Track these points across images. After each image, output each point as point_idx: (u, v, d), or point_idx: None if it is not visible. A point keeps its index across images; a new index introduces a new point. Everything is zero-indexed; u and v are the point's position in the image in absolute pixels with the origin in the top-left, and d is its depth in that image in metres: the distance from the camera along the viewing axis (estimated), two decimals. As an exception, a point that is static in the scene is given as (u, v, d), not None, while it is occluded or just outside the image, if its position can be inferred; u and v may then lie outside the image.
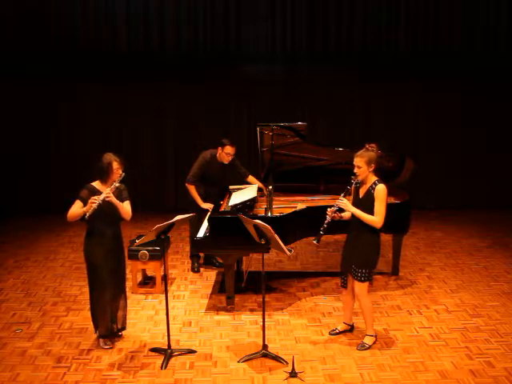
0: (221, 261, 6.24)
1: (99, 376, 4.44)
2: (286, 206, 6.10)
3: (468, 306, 5.69)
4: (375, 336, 4.92)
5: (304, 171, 6.49)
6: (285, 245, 4.52)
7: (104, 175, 4.67)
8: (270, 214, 5.58)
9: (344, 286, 4.97)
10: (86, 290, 6.07)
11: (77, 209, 4.62)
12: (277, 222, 5.19)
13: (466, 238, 8.07)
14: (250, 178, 6.63)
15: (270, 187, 5.75)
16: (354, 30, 9.22)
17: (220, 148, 6.32)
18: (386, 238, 7.40)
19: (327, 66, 9.25)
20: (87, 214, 4.52)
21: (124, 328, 5.01)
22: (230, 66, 9.19)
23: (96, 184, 4.72)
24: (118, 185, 4.69)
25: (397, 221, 6.15)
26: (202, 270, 6.73)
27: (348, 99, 9.43)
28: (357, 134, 9.28)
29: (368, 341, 4.86)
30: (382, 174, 6.30)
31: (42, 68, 9.06)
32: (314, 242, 4.81)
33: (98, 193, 4.62)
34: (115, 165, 4.66)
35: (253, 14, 9.11)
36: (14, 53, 8.96)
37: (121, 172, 4.69)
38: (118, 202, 4.64)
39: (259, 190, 6.39)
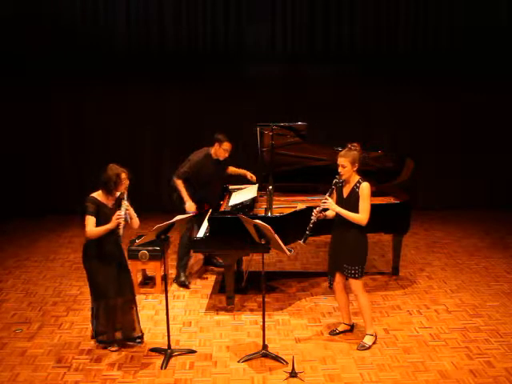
0: (221, 260, 6.22)
1: (99, 376, 4.44)
2: (286, 205, 6.10)
3: (468, 306, 5.68)
4: (375, 336, 4.92)
5: (304, 171, 6.49)
6: (285, 245, 4.52)
7: (111, 186, 4.58)
8: (270, 214, 5.58)
9: (331, 287, 4.97)
10: (86, 289, 6.08)
11: (93, 226, 4.50)
12: (277, 222, 5.18)
13: (466, 238, 8.07)
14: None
15: (270, 187, 5.74)
16: (354, 29, 9.22)
17: (217, 144, 6.23)
18: (386, 238, 7.42)
19: (327, 65, 9.26)
20: (121, 232, 4.51)
21: (133, 339, 4.90)
22: (230, 66, 9.19)
23: (97, 195, 4.63)
24: (125, 198, 4.64)
25: (397, 221, 6.17)
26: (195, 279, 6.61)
27: (348, 99, 9.42)
28: (357, 134, 9.26)
29: (368, 341, 4.86)
30: (383, 174, 6.40)
31: (42, 68, 9.06)
32: (301, 242, 4.80)
33: (102, 204, 4.57)
34: (123, 175, 4.60)
35: (253, 14, 9.11)
36: (13, 52, 8.96)
37: (128, 183, 4.65)
38: (134, 213, 4.65)
39: (254, 184, 6.36)
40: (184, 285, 6.23)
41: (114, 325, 4.75)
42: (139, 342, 4.92)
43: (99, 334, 4.81)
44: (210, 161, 6.30)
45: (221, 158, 6.31)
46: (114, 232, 4.60)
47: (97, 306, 4.74)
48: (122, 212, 4.49)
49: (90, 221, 4.52)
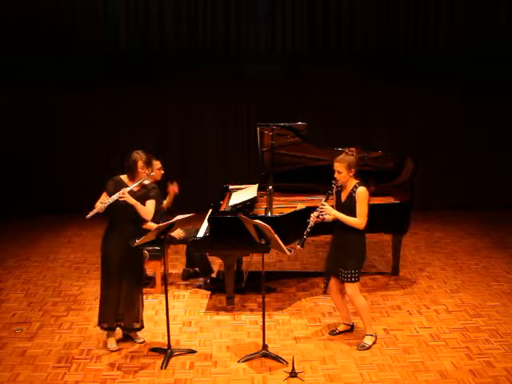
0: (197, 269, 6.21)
1: (99, 376, 4.44)
2: (285, 205, 6.10)
3: (468, 306, 5.68)
4: (375, 336, 4.91)
5: (304, 171, 6.49)
6: (285, 245, 4.52)
7: (130, 172, 4.63)
8: (270, 214, 5.58)
9: (325, 291, 4.97)
10: (86, 289, 6.14)
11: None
12: (277, 222, 5.18)
13: (466, 238, 8.07)
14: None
15: (270, 187, 5.74)
16: (354, 29, 9.23)
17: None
18: (386, 238, 7.41)
19: (327, 66, 9.27)
20: (88, 214, 4.47)
21: (142, 327, 4.92)
22: (230, 65, 9.20)
23: (124, 177, 4.67)
24: (146, 182, 4.64)
25: (397, 221, 6.17)
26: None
27: (348, 99, 9.44)
28: (357, 134, 9.27)
29: (368, 341, 4.85)
30: (382, 174, 6.40)
31: (42, 68, 9.07)
32: (298, 246, 4.79)
33: (124, 186, 4.58)
34: (140, 164, 4.60)
35: (253, 14, 9.12)
36: (13, 53, 8.96)
37: (148, 172, 4.64)
38: (134, 202, 4.54)
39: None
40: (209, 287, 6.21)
41: (116, 313, 4.74)
42: (141, 342, 4.93)
43: (102, 320, 4.80)
44: None
45: (159, 179, 6.11)
46: (137, 219, 4.62)
47: (103, 289, 4.75)
48: (111, 198, 4.46)
49: (101, 197, 4.60)
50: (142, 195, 4.65)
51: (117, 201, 4.50)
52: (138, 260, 4.85)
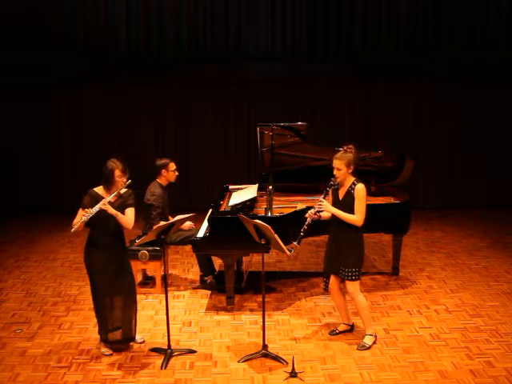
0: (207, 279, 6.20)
1: (99, 376, 4.44)
2: (285, 205, 6.10)
3: (468, 306, 5.68)
4: (375, 336, 4.91)
5: (304, 171, 6.49)
6: (285, 245, 4.52)
7: (107, 182, 4.55)
8: (270, 214, 5.58)
9: (326, 289, 4.98)
10: (86, 289, 6.13)
11: (79, 218, 4.48)
12: (277, 222, 5.18)
13: (466, 238, 8.07)
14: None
15: (270, 187, 5.74)
16: (353, 29, 9.23)
17: (164, 170, 6.00)
18: (386, 238, 7.42)
19: (327, 65, 9.27)
20: (73, 228, 4.41)
21: (132, 339, 4.84)
22: (230, 65, 9.20)
23: (99, 189, 4.59)
24: (122, 191, 4.58)
25: (397, 221, 6.17)
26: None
27: (348, 99, 9.44)
28: (357, 134, 9.28)
29: (368, 341, 4.85)
30: (383, 174, 6.40)
31: (42, 68, 9.06)
32: (295, 243, 4.77)
33: (101, 199, 4.50)
34: (117, 173, 4.51)
35: (253, 14, 9.12)
36: (13, 53, 8.95)
37: (124, 180, 4.56)
38: (115, 212, 4.48)
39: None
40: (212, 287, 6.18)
41: (107, 325, 4.70)
42: (141, 342, 4.93)
43: (98, 331, 4.79)
44: (164, 190, 6.08)
45: (173, 180, 6.12)
46: (118, 230, 4.59)
47: (94, 302, 4.73)
48: (92, 209, 4.41)
49: (78, 213, 4.49)
50: (119, 205, 4.57)
51: (97, 213, 4.43)
52: (126, 270, 4.75)
